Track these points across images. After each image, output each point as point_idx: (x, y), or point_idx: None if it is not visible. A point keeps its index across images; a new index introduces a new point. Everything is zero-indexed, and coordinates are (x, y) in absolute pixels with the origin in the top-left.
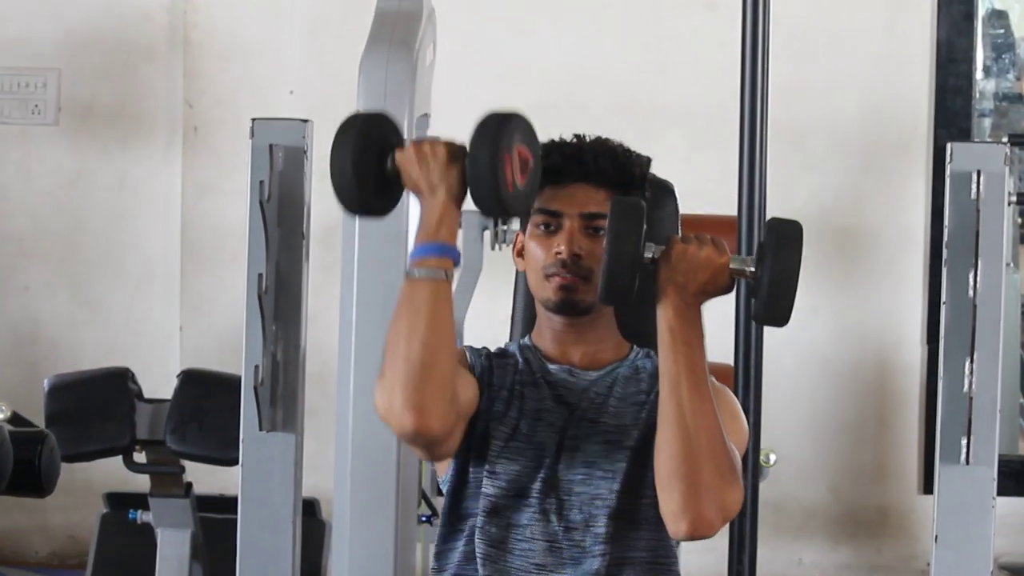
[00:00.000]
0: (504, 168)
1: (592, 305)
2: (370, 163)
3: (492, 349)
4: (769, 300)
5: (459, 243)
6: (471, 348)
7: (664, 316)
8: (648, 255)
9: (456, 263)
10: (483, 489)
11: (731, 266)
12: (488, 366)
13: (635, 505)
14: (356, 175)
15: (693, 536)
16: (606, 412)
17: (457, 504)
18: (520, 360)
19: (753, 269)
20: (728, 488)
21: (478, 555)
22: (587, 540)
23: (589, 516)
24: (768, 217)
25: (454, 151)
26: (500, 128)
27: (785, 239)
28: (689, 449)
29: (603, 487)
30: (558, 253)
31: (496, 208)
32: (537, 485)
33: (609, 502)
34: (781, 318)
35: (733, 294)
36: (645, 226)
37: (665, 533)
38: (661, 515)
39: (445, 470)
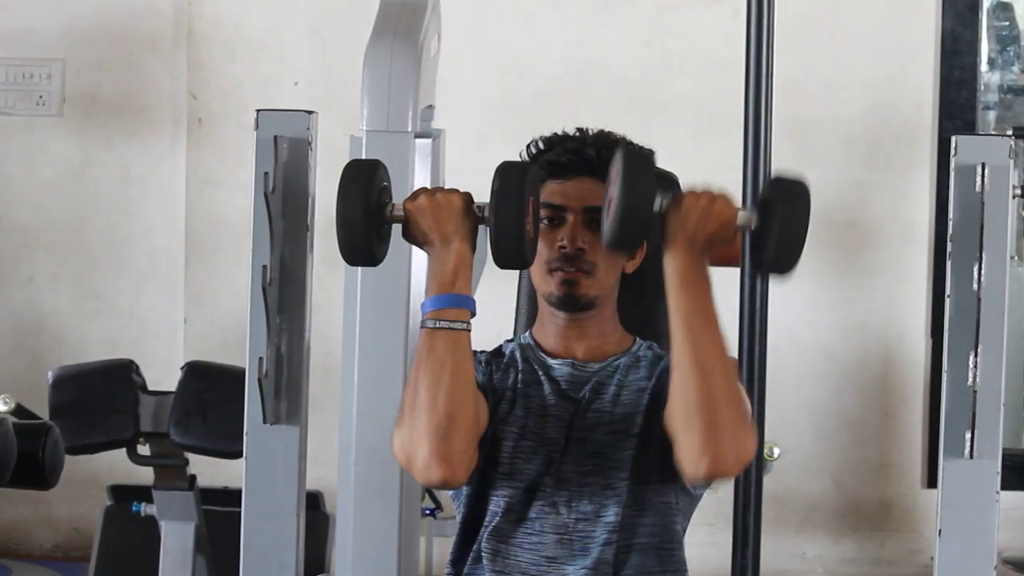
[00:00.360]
0: (526, 220)
1: (595, 299)
2: (375, 213)
3: (489, 350)
4: (777, 249)
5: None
6: (477, 355)
7: (673, 262)
8: (658, 204)
9: (473, 314)
10: (498, 491)
11: (739, 215)
12: (489, 372)
13: (643, 491)
14: (365, 227)
15: (711, 476)
16: (609, 402)
17: (475, 511)
18: (520, 360)
19: (757, 222)
20: (745, 430)
21: (485, 553)
22: (597, 530)
23: (600, 506)
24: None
25: (467, 201)
26: (523, 181)
27: (792, 191)
28: (707, 388)
29: (612, 476)
30: (561, 247)
31: (518, 261)
32: (547, 479)
33: (619, 491)
34: (788, 265)
35: (737, 285)
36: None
37: (670, 518)
38: (677, 462)
39: None
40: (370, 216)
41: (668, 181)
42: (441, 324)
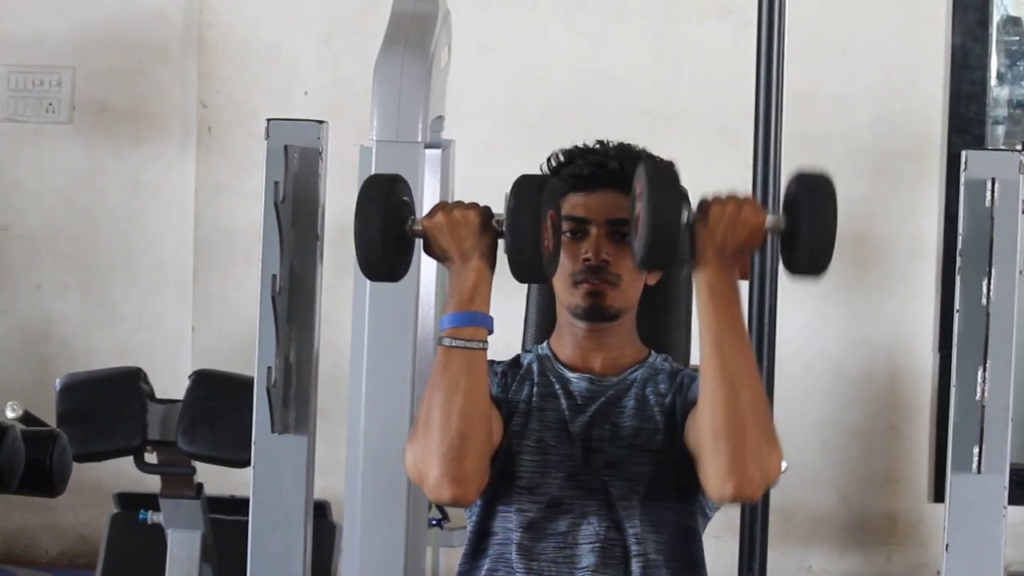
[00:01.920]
0: (544, 235)
1: (620, 311)
2: (393, 230)
3: (506, 360)
4: (811, 249)
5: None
6: (489, 368)
7: (703, 275)
8: (685, 217)
9: (490, 332)
10: (516, 505)
11: (767, 220)
12: (506, 384)
13: (658, 508)
14: (384, 244)
15: (738, 497)
16: (627, 415)
17: (485, 524)
18: (536, 372)
19: (786, 224)
20: (771, 450)
21: (519, 571)
22: (628, 539)
23: (623, 516)
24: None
25: (486, 216)
26: (540, 195)
27: (820, 189)
28: (735, 406)
29: (629, 489)
30: (586, 260)
31: (535, 276)
32: (571, 492)
33: (634, 504)
34: (821, 266)
35: (745, 298)
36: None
37: (691, 536)
38: (702, 478)
39: None
40: (389, 234)
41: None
42: (457, 343)
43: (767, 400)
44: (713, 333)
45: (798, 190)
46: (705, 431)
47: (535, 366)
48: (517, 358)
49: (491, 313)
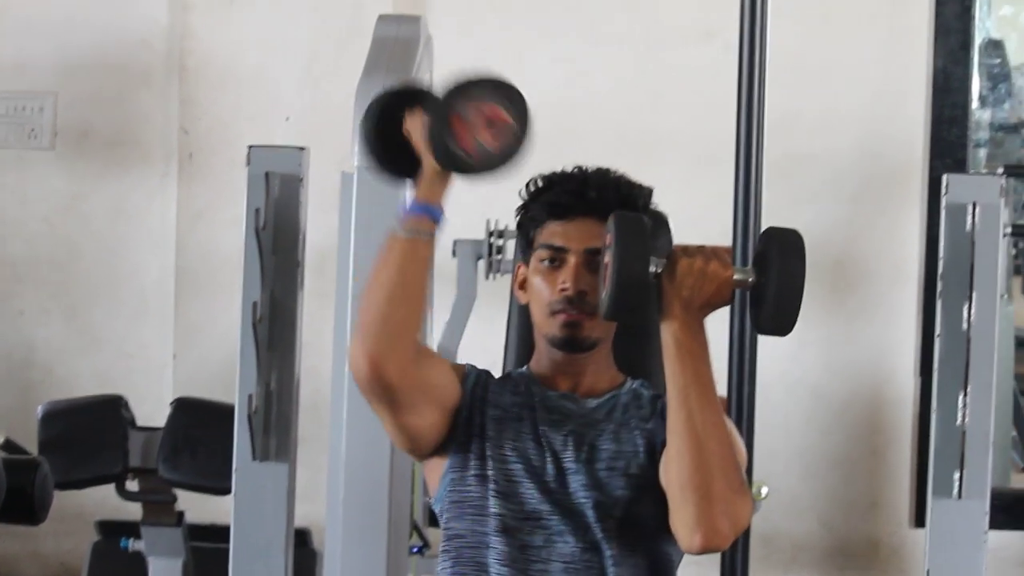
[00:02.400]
0: (454, 128)
1: (597, 341)
2: (389, 132)
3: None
4: (776, 310)
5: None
6: (472, 365)
7: (669, 329)
8: (652, 269)
9: (437, 221)
10: (494, 510)
11: (735, 277)
12: (484, 382)
13: (634, 533)
14: (375, 144)
15: (706, 548)
16: (606, 438)
17: (456, 525)
18: (521, 385)
19: (755, 279)
20: (739, 499)
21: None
22: (605, 561)
23: (600, 539)
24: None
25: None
26: (451, 90)
27: (788, 248)
28: (701, 460)
29: (606, 511)
30: (563, 289)
31: (448, 162)
32: (547, 508)
33: (611, 527)
34: (786, 327)
35: (725, 328)
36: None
37: (664, 559)
38: (672, 528)
39: (436, 489)
40: (381, 131)
41: (660, 222)
42: (401, 233)
43: (735, 451)
44: (679, 388)
45: (766, 245)
46: (673, 483)
47: (519, 380)
48: (507, 374)
49: (475, 337)
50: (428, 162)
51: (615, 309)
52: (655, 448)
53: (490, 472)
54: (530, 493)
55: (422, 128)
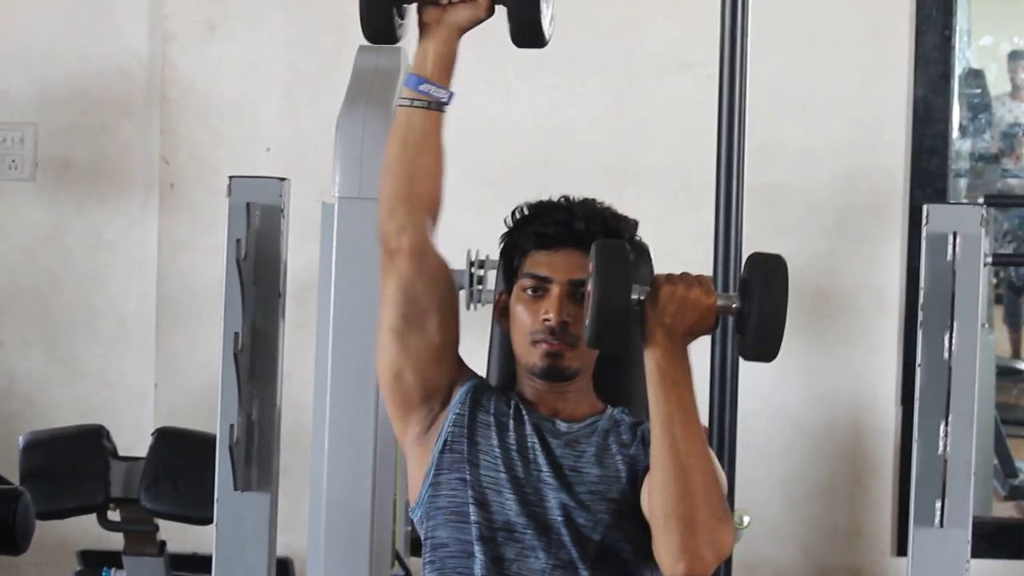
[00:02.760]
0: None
1: (578, 371)
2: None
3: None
4: (759, 337)
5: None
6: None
7: (652, 357)
8: (635, 296)
9: (445, 102)
10: (474, 518)
11: (718, 303)
12: (482, 385)
13: (614, 556)
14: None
15: (689, 575)
16: (588, 461)
17: (438, 533)
18: (507, 398)
19: (738, 305)
20: (723, 527)
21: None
22: None
23: (576, 556)
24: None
25: None
26: None
27: (772, 275)
28: (686, 488)
29: (585, 532)
30: (546, 320)
31: (535, 38)
32: (523, 521)
33: (589, 550)
34: (770, 354)
35: (707, 356)
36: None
37: None
38: (656, 555)
39: (417, 493)
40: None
41: (641, 252)
42: (402, 102)
43: (719, 479)
44: (663, 416)
45: (750, 271)
46: (656, 510)
47: (509, 395)
48: (500, 387)
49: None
50: (449, 28)
51: (597, 337)
52: (636, 474)
53: (469, 477)
54: (508, 504)
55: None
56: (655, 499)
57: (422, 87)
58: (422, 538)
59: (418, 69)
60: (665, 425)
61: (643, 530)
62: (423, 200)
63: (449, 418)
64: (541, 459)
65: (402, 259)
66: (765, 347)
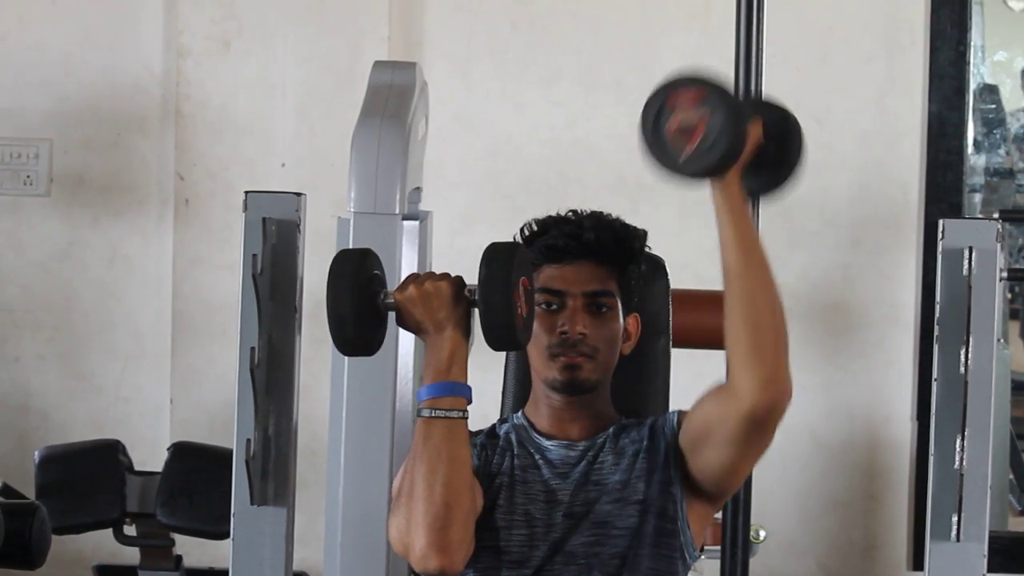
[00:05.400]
0: (516, 303)
1: (596, 383)
2: (365, 305)
3: (484, 430)
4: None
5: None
6: (470, 439)
7: (725, 191)
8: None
9: (469, 401)
10: (505, 572)
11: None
12: (486, 456)
13: (644, 557)
14: (356, 320)
15: (774, 404)
16: (607, 471)
17: None
18: (515, 443)
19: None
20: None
21: None
22: None
23: (607, 574)
24: None
25: (458, 286)
26: (511, 263)
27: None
28: (775, 313)
29: (617, 543)
30: (563, 333)
31: (510, 344)
32: (557, 558)
33: (623, 556)
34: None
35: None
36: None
37: None
38: (734, 392)
39: None
40: (361, 309)
41: (656, 266)
42: (437, 413)
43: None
44: (744, 243)
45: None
46: (743, 340)
47: (513, 436)
48: (492, 428)
49: (469, 384)
50: (452, 337)
51: (718, 163)
52: (655, 467)
53: (503, 543)
54: (540, 554)
55: (445, 302)
56: (741, 328)
57: (462, 392)
58: None
59: (446, 375)
60: (746, 251)
61: (666, 522)
62: (469, 516)
63: None
64: (567, 496)
65: None
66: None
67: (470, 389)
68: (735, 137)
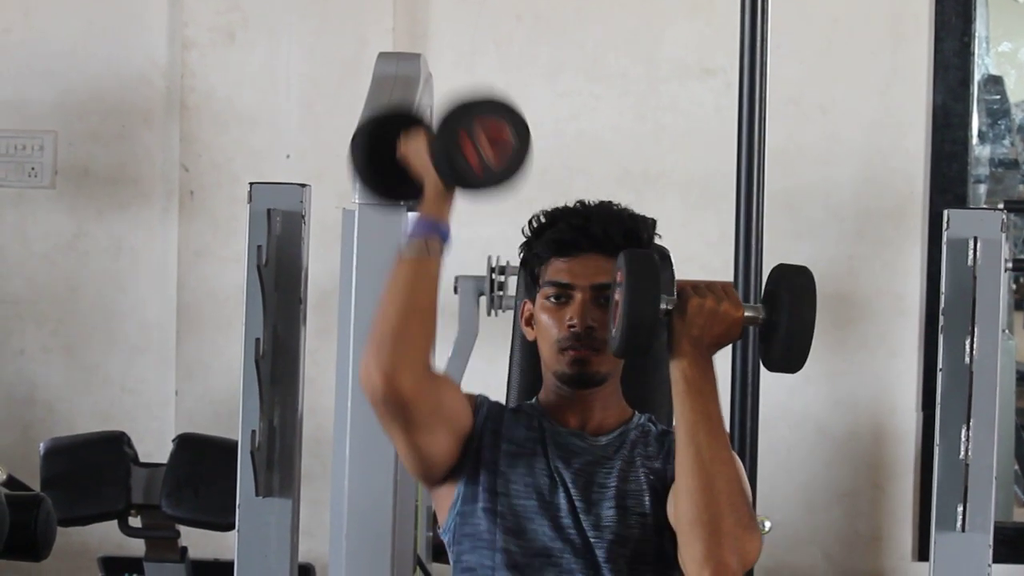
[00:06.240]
0: (461, 145)
1: (606, 376)
2: (384, 156)
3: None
4: (787, 348)
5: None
6: (484, 396)
7: (678, 367)
8: (663, 307)
9: (444, 239)
10: (503, 545)
11: (745, 315)
12: (497, 414)
13: (644, 570)
14: (370, 173)
15: None
16: (613, 476)
17: (467, 559)
18: (534, 419)
19: (765, 316)
20: (748, 536)
21: None
22: None
23: (609, 573)
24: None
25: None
26: (456, 108)
27: (801, 289)
28: (710, 495)
29: (616, 551)
30: (571, 326)
31: (456, 177)
32: (559, 546)
33: (619, 567)
34: (797, 364)
35: (728, 362)
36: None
37: None
38: (681, 563)
39: (445, 519)
40: (374, 155)
41: (662, 257)
42: (409, 252)
43: (744, 487)
44: (688, 423)
45: (777, 283)
46: (681, 518)
47: (530, 413)
48: (519, 405)
49: (477, 373)
50: (432, 180)
51: (625, 348)
52: (660, 487)
53: (500, 508)
54: (542, 530)
55: (424, 147)
56: (680, 507)
57: (443, 232)
58: (451, 560)
59: (435, 215)
60: (690, 433)
61: (671, 541)
62: (428, 353)
63: (471, 454)
64: (569, 481)
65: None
66: (793, 358)
67: (446, 229)
68: (633, 330)
